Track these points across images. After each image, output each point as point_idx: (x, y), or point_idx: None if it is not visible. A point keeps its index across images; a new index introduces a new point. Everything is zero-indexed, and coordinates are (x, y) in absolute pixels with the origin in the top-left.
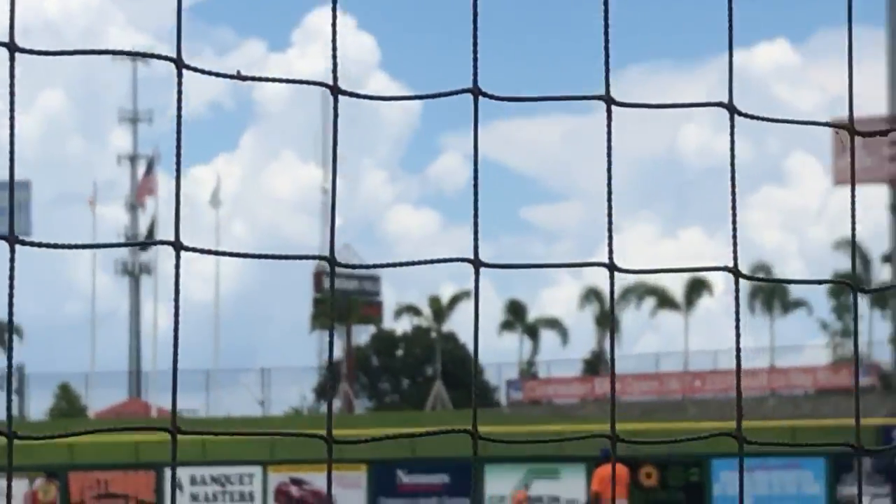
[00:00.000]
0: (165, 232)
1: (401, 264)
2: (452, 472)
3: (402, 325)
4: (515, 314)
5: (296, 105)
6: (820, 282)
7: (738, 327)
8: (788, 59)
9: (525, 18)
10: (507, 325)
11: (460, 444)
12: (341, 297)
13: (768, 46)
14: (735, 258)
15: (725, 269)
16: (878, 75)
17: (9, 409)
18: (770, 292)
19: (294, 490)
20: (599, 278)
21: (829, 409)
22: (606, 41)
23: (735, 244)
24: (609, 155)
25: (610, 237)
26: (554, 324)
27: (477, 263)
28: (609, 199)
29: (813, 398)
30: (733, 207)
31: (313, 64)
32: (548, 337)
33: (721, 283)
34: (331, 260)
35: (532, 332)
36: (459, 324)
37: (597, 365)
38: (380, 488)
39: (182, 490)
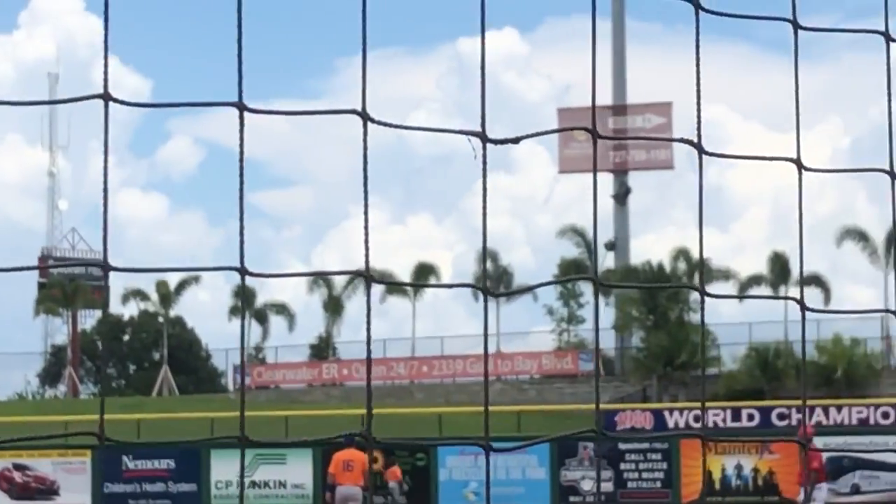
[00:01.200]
0: None
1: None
2: (179, 457)
3: (130, 310)
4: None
5: (22, 89)
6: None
7: (368, 323)
8: (517, 47)
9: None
10: (235, 311)
11: (186, 429)
12: (66, 280)
13: (497, 35)
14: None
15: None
16: (603, 65)
17: None
18: (498, 278)
19: (17, 476)
20: (329, 264)
21: (554, 394)
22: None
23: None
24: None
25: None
26: (282, 309)
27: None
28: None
29: (538, 383)
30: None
31: (40, 47)
32: (276, 322)
33: (448, 268)
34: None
35: (260, 317)
36: (187, 309)
37: (324, 350)
38: (105, 474)
39: None
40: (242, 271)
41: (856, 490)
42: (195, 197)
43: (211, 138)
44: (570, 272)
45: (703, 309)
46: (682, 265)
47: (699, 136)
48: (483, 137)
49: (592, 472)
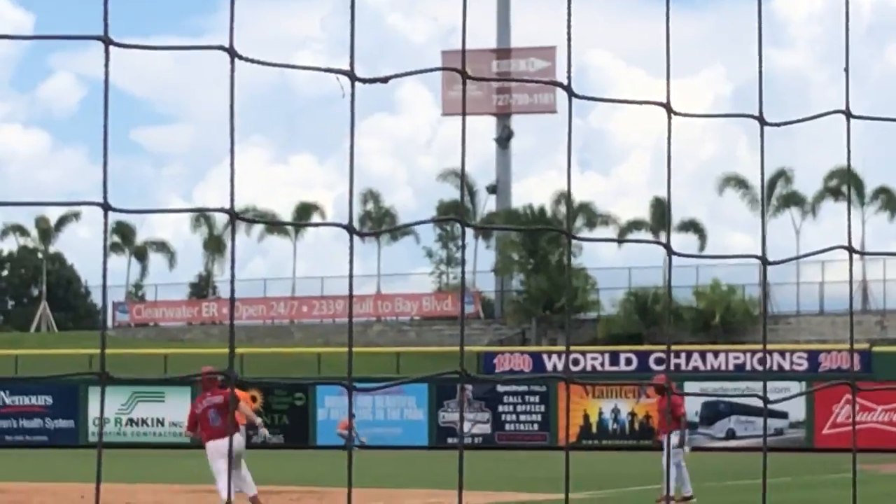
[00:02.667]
0: None
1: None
2: (56, 394)
3: (8, 245)
4: (123, 236)
5: None
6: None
7: (232, 267)
8: None
9: None
10: (115, 247)
11: (64, 365)
12: None
13: None
14: (232, 201)
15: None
16: (488, 8)
17: None
18: (380, 219)
19: None
20: (210, 202)
21: (433, 336)
22: None
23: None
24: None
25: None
26: (162, 246)
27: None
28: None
29: (418, 325)
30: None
31: None
32: (156, 260)
33: (330, 209)
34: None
35: (140, 254)
36: (67, 245)
37: (204, 289)
38: None
39: None
40: (105, 207)
41: (731, 435)
42: (76, 133)
43: (93, 75)
44: (449, 215)
45: (569, 251)
46: (563, 209)
47: (569, 78)
48: (352, 76)
49: (471, 414)
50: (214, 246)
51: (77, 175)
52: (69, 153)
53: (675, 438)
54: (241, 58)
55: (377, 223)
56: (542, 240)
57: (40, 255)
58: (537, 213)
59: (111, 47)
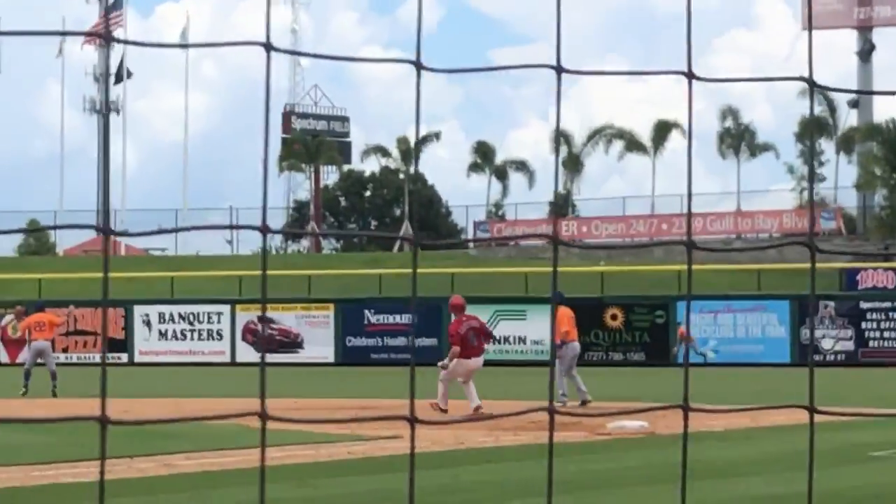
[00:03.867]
0: (135, 68)
1: None
2: (420, 312)
3: (370, 166)
4: (483, 156)
5: None
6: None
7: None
8: None
9: None
10: (475, 167)
11: (427, 284)
12: (309, 137)
13: None
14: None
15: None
16: None
17: None
18: (738, 136)
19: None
20: (568, 121)
21: (794, 252)
22: None
23: None
24: None
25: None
26: (521, 166)
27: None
28: None
29: (778, 241)
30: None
31: None
32: (515, 179)
33: (687, 126)
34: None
35: (500, 174)
36: (427, 165)
37: (563, 207)
38: (347, 328)
39: (150, 328)
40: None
41: None
42: (434, 54)
43: None
44: (810, 130)
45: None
46: None
47: None
48: None
49: (833, 331)
50: (573, 165)
51: (434, 95)
52: (427, 74)
53: None
54: None
55: (736, 139)
56: None
57: (402, 176)
58: None
59: None
